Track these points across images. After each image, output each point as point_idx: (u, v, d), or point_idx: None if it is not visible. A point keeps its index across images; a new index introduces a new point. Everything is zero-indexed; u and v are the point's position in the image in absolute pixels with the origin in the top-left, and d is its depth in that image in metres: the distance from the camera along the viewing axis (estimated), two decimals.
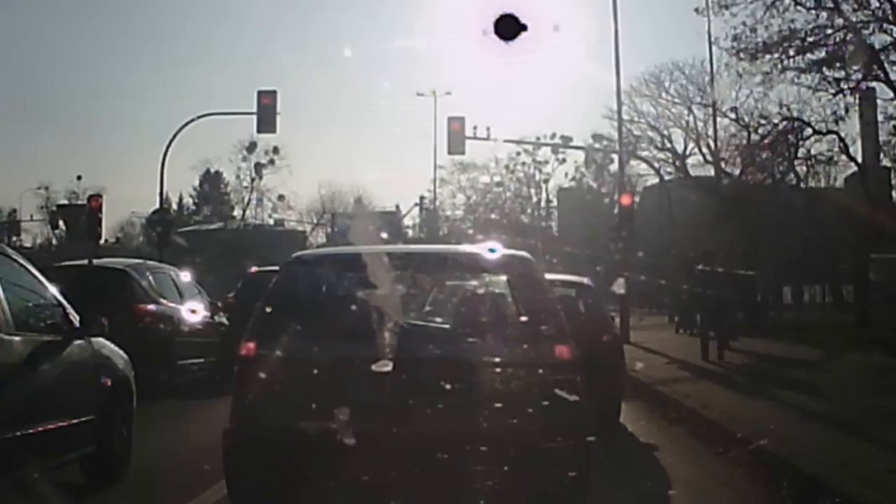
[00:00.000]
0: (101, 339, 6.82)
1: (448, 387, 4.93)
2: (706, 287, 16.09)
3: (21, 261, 6.22)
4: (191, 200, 62.85)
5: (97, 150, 75.82)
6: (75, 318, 6.43)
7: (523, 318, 5.41)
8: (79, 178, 54.35)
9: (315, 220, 57.74)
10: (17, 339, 5.50)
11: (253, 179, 54.97)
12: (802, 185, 28.20)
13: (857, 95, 22.44)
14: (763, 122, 24.99)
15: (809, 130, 23.76)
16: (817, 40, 20.96)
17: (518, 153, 53.71)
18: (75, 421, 6.06)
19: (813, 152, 25.30)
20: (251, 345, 5.14)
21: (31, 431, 5.44)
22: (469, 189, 56.10)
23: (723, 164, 29.43)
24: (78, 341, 6.38)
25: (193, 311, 13.02)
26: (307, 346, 5.06)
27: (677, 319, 26.42)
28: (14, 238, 56.22)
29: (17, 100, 74.28)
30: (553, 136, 48.54)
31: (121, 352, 7.18)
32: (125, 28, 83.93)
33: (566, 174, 55.99)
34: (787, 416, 8.97)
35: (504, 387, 4.99)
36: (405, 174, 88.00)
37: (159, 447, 7.85)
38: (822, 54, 21.20)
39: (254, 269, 18.12)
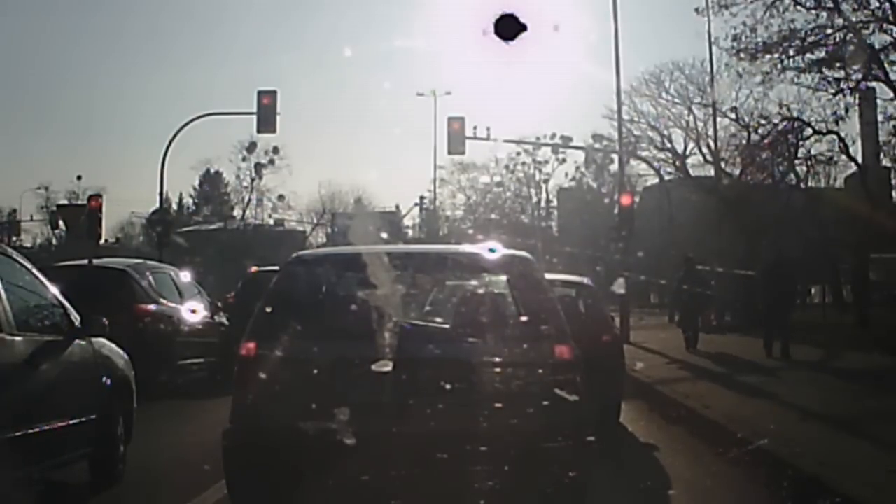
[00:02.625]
0: (101, 339, 6.83)
1: (448, 387, 4.93)
2: (689, 286, 18.29)
3: (22, 261, 6.23)
4: (191, 200, 62.85)
5: (97, 150, 75.87)
6: (76, 319, 6.45)
7: (523, 318, 5.41)
8: (79, 178, 54.34)
9: (315, 220, 57.73)
10: (18, 339, 5.52)
11: (253, 179, 54.91)
12: (802, 185, 28.21)
13: (857, 95, 22.44)
14: (763, 122, 25.00)
15: (809, 130, 23.76)
16: (817, 40, 20.97)
17: (518, 153, 53.76)
18: (77, 421, 6.08)
19: (813, 152, 25.33)
20: (251, 345, 5.14)
21: (34, 431, 5.44)
22: (469, 189, 56.16)
23: (723, 164, 29.45)
24: (79, 341, 6.39)
25: (193, 311, 13.02)
26: (307, 346, 5.06)
27: (677, 318, 26.46)
28: (14, 238, 56.09)
29: (17, 100, 74.40)
30: (553, 136, 48.55)
31: (121, 351, 7.19)
32: (125, 28, 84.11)
33: (566, 174, 56.05)
34: (787, 416, 8.97)
35: (504, 387, 4.99)
36: (405, 174, 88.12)
37: (159, 447, 7.85)
38: (822, 54, 21.21)
39: (254, 269, 18.14)
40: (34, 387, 5.59)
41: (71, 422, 5.97)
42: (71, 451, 6.11)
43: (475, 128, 30.46)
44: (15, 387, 5.36)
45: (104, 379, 6.67)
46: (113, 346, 7.03)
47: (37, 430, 5.49)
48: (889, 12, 19.81)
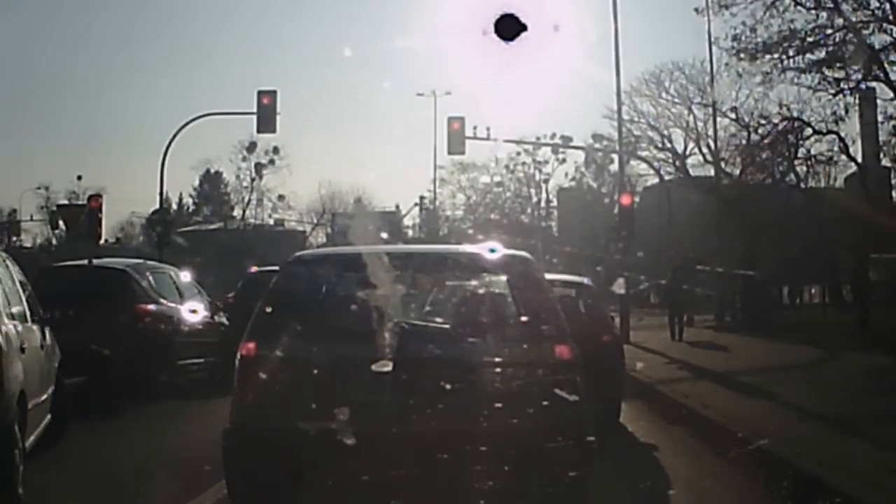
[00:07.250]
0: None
1: (448, 387, 4.93)
2: (678, 284, 22.09)
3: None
4: (191, 200, 62.76)
5: (97, 150, 75.71)
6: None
7: (523, 318, 5.41)
8: (79, 178, 54.14)
9: (315, 220, 57.68)
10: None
11: (253, 179, 54.83)
12: (802, 185, 28.20)
13: (857, 95, 22.47)
14: (763, 122, 25.01)
15: (809, 130, 23.77)
16: (817, 40, 20.97)
17: (518, 153, 53.68)
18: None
19: (813, 152, 25.34)
20: (251, 345, 5.14)
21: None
22: (469, 189, 56.11)
23: (723, 164, 29.45)
24: (46, 328, 7.85)
25: (193, 311, 13.00)
26: (307, 346, 5.07)
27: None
28: (14, 238, 56.09)
29: (17, 100, 74.28)
30: (553, 136, 48.48)
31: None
32: (125, 28, 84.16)
33: (566, 174, 55.98)
34: (787, 416, 8.97)
35: (504, 387, 4.99)
36: (405, 174, 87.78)
37: (159, 447, 7.85)
38: (822, 54, 21.22)
39: (254, 269, 18.11)
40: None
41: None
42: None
43: (475, 128, 30.41)
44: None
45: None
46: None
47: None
48: (889, 12, 19.82)
